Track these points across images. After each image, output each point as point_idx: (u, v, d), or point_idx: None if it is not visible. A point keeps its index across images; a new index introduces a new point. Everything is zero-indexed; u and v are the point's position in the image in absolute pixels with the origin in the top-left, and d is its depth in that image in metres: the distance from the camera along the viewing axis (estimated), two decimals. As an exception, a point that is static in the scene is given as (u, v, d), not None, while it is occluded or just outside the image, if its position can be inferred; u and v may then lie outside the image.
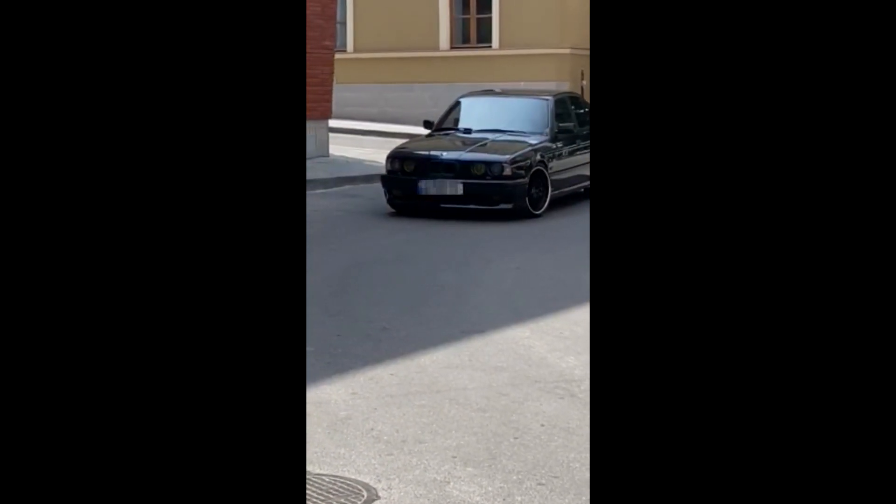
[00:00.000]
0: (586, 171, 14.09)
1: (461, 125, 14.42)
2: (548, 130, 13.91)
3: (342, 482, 4.80)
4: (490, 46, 23.78)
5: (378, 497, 4.65)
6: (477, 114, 14.60)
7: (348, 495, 4.67)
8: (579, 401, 5.97)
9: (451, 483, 4.80)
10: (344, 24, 24.57)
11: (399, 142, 15.59)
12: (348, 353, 6.96)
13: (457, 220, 12.76)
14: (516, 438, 5.38)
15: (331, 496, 4.65)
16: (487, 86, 18.28)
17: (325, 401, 5.95)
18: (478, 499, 4.64)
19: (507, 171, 12.85)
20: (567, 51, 22.74)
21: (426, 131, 14.99)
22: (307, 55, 17.25)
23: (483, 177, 12.87)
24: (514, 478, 4.87)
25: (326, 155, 18.17)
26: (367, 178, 15.85)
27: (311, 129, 17.77)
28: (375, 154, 17.80)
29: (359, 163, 17.60)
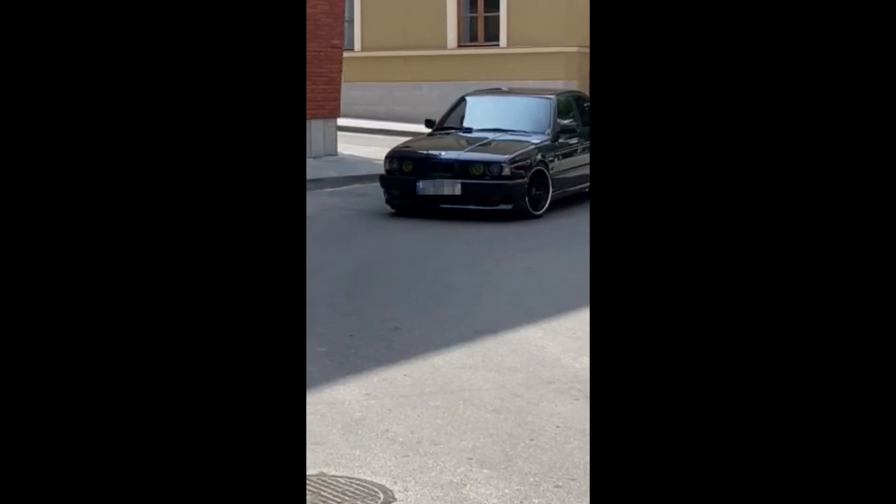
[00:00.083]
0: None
1: (464, 124, 14.24)
2: (550, 130, 13.68)
3: (358, 484, 4.78)
4: (498, 45, 23.76)
5: (395, 499, 4.64)
6: (480, 112, 14.38)
7: (365, 497, 4.65)
8: (594, 402, 5.95)
9: (468, 485, 4.78)
10: (352, 22, 24.57)
11: (405, 140, 15.55)
12: (361, 353, 6.95)
13: (458, 220, 12.67)
14: (532, 440, 5.37)
15: (347, 498, 4.64)
16: (495, 84, 18.24)
17: (339, 401, 5.94)
18: (495, 501, 4.63)
19: (507, 171, 12.64)
20: (575, 49, 22.71)
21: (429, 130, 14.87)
22: (316, 54, 17.30)
23: (482, 177, 12.66)
24: (531, 480, 4.85)
25: (335, 153, 18.15)
26: (376, 178, 15.83)
27: (320, 127, 17.77)
28: (383, 153, 17.75)
29: (367, 161, 17.56)
